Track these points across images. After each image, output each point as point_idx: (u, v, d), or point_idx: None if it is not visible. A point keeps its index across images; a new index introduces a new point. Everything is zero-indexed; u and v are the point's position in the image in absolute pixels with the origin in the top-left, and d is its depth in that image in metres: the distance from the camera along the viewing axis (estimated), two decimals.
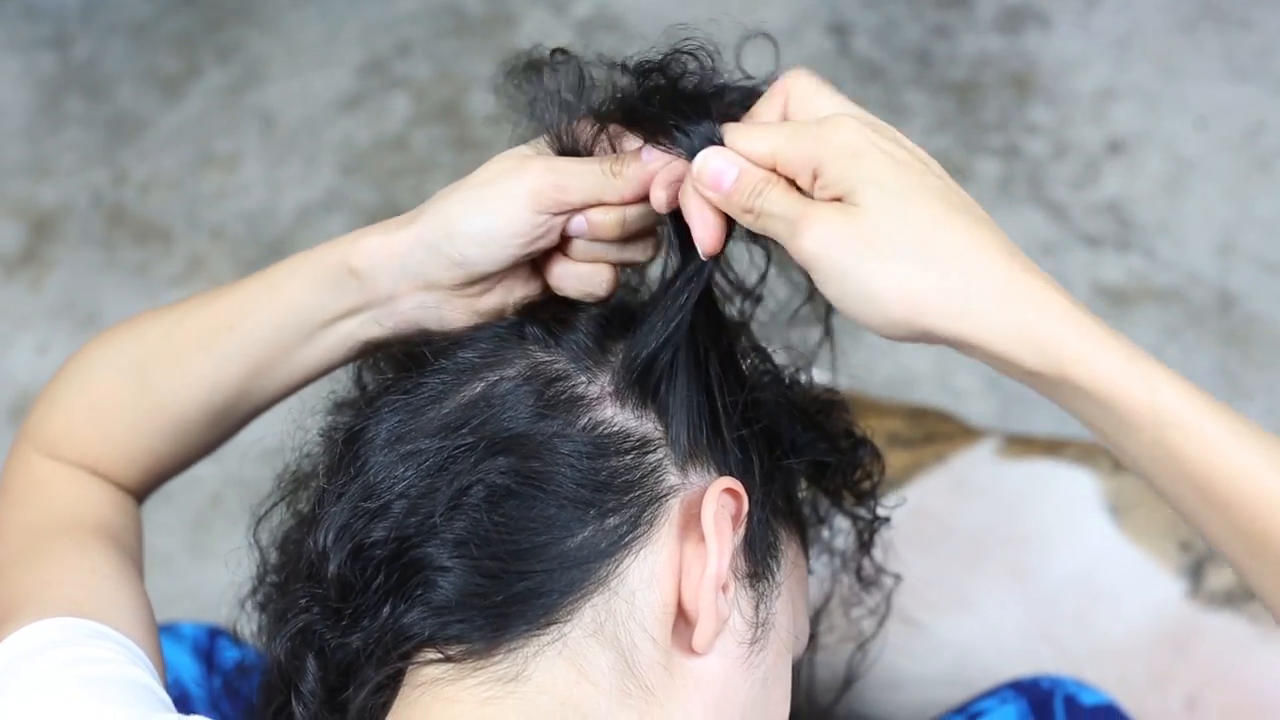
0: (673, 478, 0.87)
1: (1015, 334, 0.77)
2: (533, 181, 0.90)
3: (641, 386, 0.88)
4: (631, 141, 0.92)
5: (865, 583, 1.11)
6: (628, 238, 0.94)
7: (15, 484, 1.07)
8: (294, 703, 0.91)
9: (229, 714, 1.22)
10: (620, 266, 0.95)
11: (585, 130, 0.93)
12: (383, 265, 0.95)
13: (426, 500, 0.85)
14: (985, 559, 1.37)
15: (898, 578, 1.12)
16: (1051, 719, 1.17)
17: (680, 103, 0.89)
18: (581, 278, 0.94)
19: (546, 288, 0.96)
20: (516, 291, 0.96)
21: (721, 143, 0.86)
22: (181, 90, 2.55)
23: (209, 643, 1.28)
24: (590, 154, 0.93)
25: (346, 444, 0.91)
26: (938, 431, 1.56)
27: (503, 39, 2.54)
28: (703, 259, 0.87)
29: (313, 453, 0.98)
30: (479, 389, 0.88)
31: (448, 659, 0.83)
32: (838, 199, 0.80)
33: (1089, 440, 1.57)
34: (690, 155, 0.87)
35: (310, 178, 2.37)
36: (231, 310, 1.01)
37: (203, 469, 1.96)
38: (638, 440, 0.87)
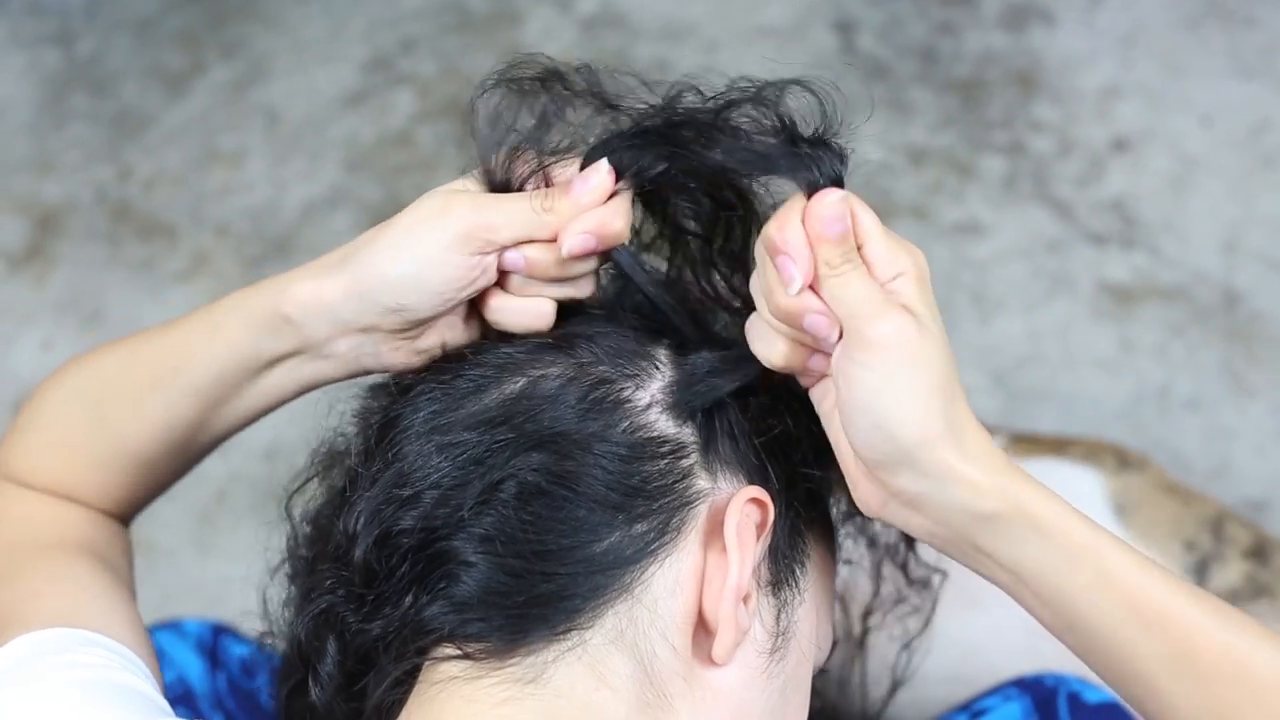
0: (702, 482, 0.87)
1: (987, 473, 0.81)
2: (459, 224, 0.89)
3: (691, 404, 0.88)
4: (562, 174, 0.92)
5: (911, 579, 1.10)
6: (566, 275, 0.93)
7: None
8: (311, 683, 0.91)
9: (233, 711, 1.22)
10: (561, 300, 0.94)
11: (521, 166, 0.93)
12: (315, 313, 0.94)
13: (457, 492, 0.85)
14: None
15: (944, 574, 1.11)
16: (1055, 717, 1.17)
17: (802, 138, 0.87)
18: (521, 312, 0.93)
19: (485, 326, 0.96)
20: (456, 329, 0.95)
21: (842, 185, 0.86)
22: (186, 87, 2.55)
23: (213, 639, 1.28)
24: (522, 189, 0.92)
25: (382, 430, 0.90)
26: None
27: (507, 35, 2.54)
28: (791, 293, 0.84)
29: (346, 432, 0.98)
30: (520, 384, 0.88)
31: (466, 656, 0.83)
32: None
33: (1095, 439, 1.57)
34: (810, 186, 0.86)
35: (315, 174, 2.37)
36: (177, 351, 1.00)
37: (208, 465, 1.96)
38: (674, 445, 0.87)
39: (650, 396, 0.88)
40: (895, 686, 1.19)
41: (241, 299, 0.98)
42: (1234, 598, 1.39)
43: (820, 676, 0.95)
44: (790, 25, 2.49)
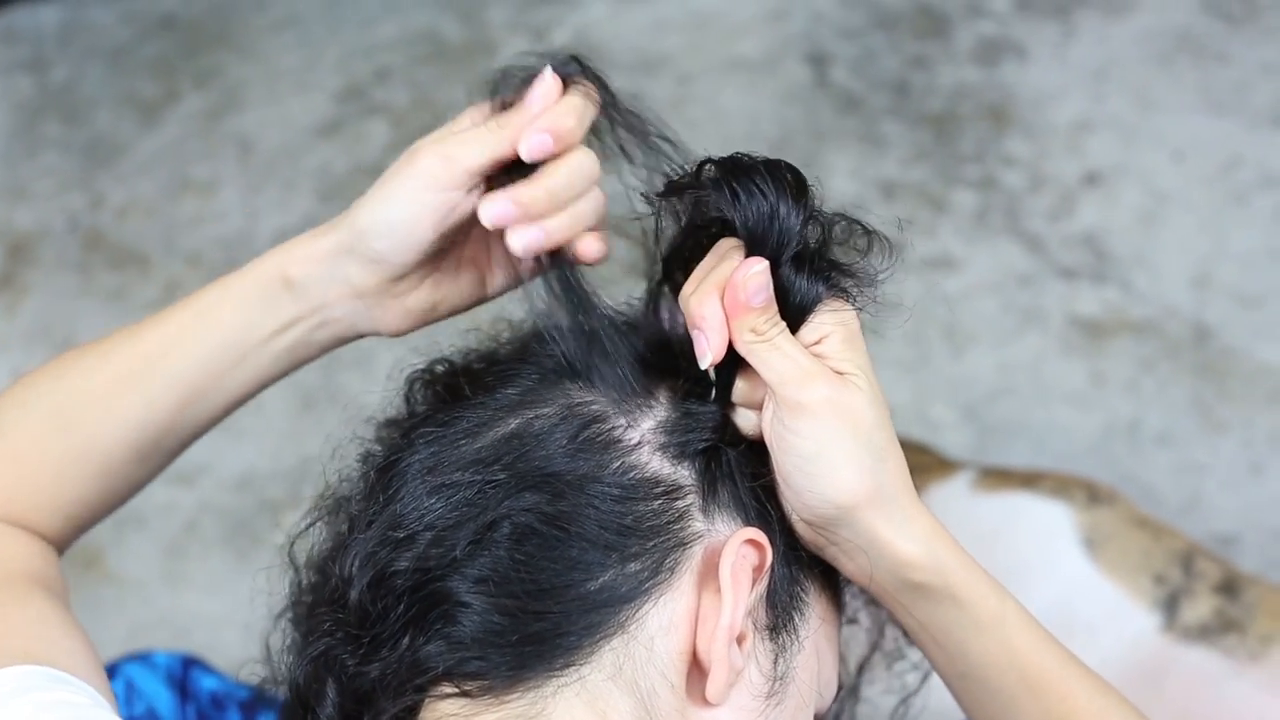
0: (698, 524, 0.87)
1: (917, 546, 0.85)
2: (421, 163, 0.92)
3: (684, 444, 0.88)
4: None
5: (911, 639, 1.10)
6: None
7: None
8: None
9: None
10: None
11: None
12: (314, 273, 0.96)
13: (451, 533, 0.85)
14: None
15: None
16: None
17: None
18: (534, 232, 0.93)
19: (475, 284, 1.00)
20: (443, 287, 0.99)
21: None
22: (159, 115, 2.54)
23: (183, 672, 1.27)
24: None
25: (380, 473, 0.91)
26: (914, 464, 1.53)
27: (481, 66, 2.53)
28: (701, 367, 0.87)
29: (352, 475, 0.98)
30: (514, 425, 0.88)
31: (465, 694, 0.83)
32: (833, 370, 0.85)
33: (1065, 474, 1.57)
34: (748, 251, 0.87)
35: (288, 204, 2.37)
36: (161, 341, 1.00)
37: (177, 496, 1.97)
38: (669, 486, 0.87)
39: (640, 435, 0.88)
40: None
41: (233, 279, 0.99)
42: (1204, 632, 1.40)
43: None
44: (764, 58, 2.50)
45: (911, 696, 1.13)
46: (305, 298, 0.97)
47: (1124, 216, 2.20)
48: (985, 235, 2.18)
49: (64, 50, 2.68)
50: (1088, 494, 1.48)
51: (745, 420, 0.89)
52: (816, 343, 0.85)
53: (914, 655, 1.12)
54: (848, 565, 0.87)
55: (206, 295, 1.00)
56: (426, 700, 0.85)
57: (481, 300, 1.02)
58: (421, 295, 0.98)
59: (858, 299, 0.88)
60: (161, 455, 1.05)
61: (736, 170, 0.87)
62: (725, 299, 0.85)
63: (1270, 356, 2.00)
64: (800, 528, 0.87)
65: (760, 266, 0.85)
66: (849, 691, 1.18)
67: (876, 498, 0.83)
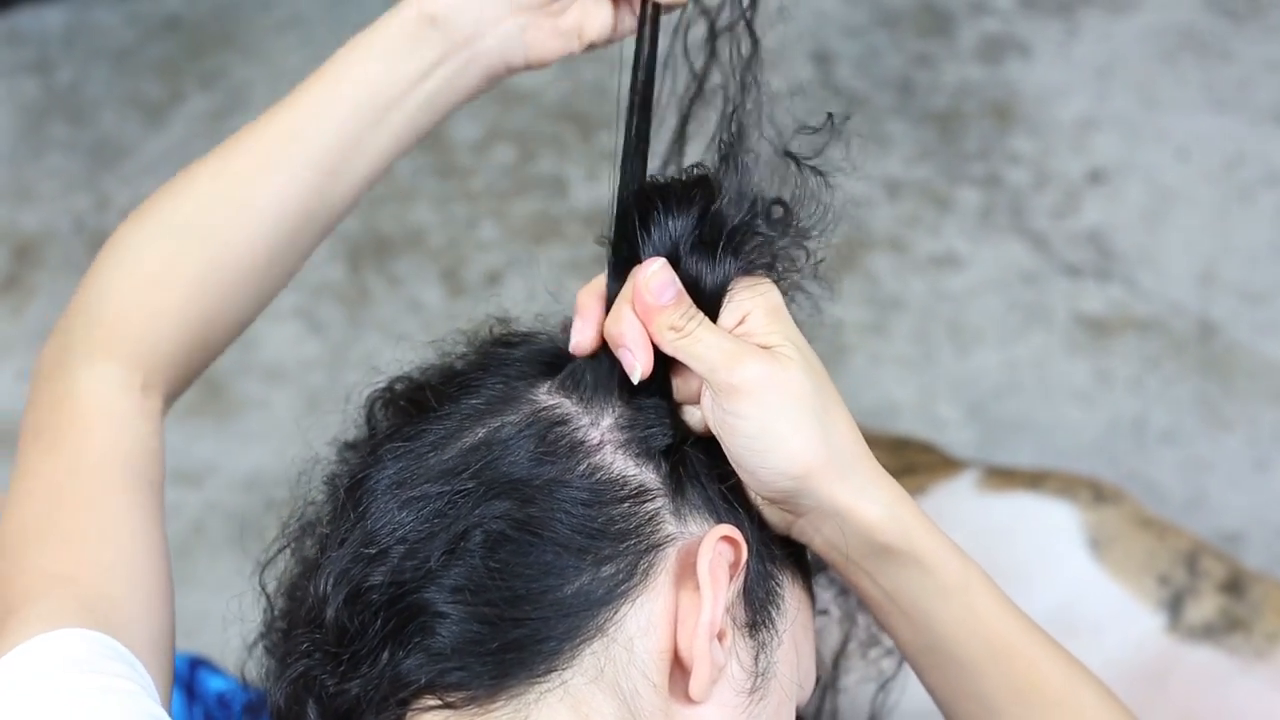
0: (670, 527, 0.87)
1: (881, 509, 0.86)
2: None
3: (644, 441, 0.89)
4: None
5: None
6: None
7: (48, 423, 0.98)
8: None
9: None
10: None
11: None
12: (463, 3, 0.97)
13: (424, 545, 0.85)
14: None
15: None
16: None
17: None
18: None
19: (612, 15, 1.04)
20: (591, 12, 1.03)
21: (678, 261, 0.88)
22: (164, 116, 2.54)
23: (189, 673, 1.27)
24: None
25: (349, 492, 0.90)
26: (918, 463, 1.56)
27: None
28: (634, 382, 0.87)
29: (317, 500, 0.97)
30: (481, 434, 0.88)
31: (448, 706, 0.83)
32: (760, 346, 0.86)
33: (1070, 473, 1.57)
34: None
35: None
36: (295, 118, 1.00)
37: (184, 497, 1.97)
38: (635, 489, 0.87)
39: (601, 435, 0.88)
40: None
41: (367, 35, 1.01)
42: (1209, 631, 1.40)
43: None
44: (768, 56, 2.49)
45: (889, 681, 1.14)
46: (454, 29, 0.98)
47: (1128, 214, 2.20)
48: (990, 233, 2.18)
49: (69, 52, 2.68)
50: (1093, 493, 1.48)
51: (691, 417, 0.89)
52: (739, 323, 0.86)
53: (889, 640, 1.13)
54: (816, 539, 0.87)
55: (336, 62, 1.01)
56: (409, 714, 0.84)
57: (611, 39, 1.05)
58: (571, 18, 1.01)
59: (777, 270, 0.90)
60: (297, 252, 1.04)
61: (642, 207, 0.89)
62: (636, 307, 0.86)
63: (1275, 353, 2.00)
64: (765, 510, 0.88)
65: (657, 265, 0.86)
66: (827, 684, 1.19)
67: (831, 463, 0.84)
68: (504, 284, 2.15)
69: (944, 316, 2.10)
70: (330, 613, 0.86)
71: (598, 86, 2.48)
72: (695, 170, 0.91)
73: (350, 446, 0.98)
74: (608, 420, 0.89)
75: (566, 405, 0.89)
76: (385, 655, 0.84)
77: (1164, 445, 1.93)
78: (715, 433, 0.86)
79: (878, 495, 0.85)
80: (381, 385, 0.98)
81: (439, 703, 0.83)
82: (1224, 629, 1.41)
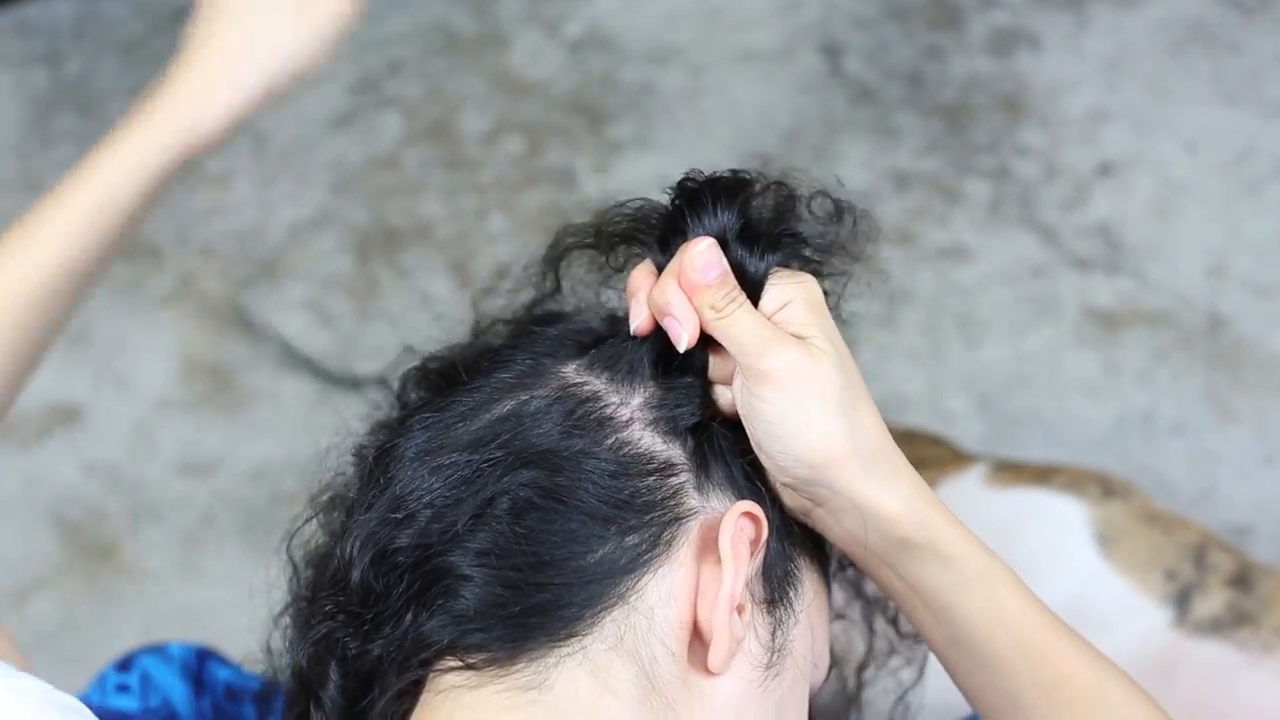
0: (693, 500, 0.88)
1: (900, 502, 0.86)
2: None
3: (673, 420, 0.90)
4: None
5: (902, 632, 1.11)
6: None
7: None
8: (313, 711, 0.91)
9: None
10: None
11: None
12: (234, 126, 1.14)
13: (451, 510, 0.86)
14: None
15: None
16: None
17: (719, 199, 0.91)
18: None
19: None
20: None
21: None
22: None
23: (198, 664, 1.27)
24: None
25: (377, 460, 0.92)
26: (927, 456, 1.56)
27: (494, 58, 2.54)
28: (680, 350, 0.89)
29: (346, 472, 0.99)
30: (510, 406, 0.90)
31: (469, 667, 0.84)
32: (795, 335, 0.87)
33: (1079, 468, 1.57)
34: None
35: (301, 196, 2.37)
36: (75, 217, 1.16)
37: (193, 488, 1.98)
38: (661, 463, 0.88)
39: (631, 413, 0.90)
40: None
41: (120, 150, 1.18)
42: (1216, 626, 1.39)
43: None
44: (777, 48, 2.50)
45: (908, 692, 1.14)
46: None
47: (1138, 207, 2.19)
48: (999, 226, 2.18)
49: (78, 43, 2.68)
50: (1101, 488, 1.48)
51: (722, 397, 0.91)
52: (779, 310, 0.87)
53: (907, 651, 1.13)
54: (835, 529, 0.88)
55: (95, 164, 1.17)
56: (430, 675, 0.86)
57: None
58: None
59: (823, 267, 0.92)
60: (78, 280, 1.17)
61: (691, 193, 0.91)
62: (681, 282, 0.88)
63: None
64: (785, 495, 0.89)
65: (705, 244, 0.88)
66: (852, 697, 1.19)
67: (853, 455, 0.85)
68: (513, 276, 2.15)
69: (953, 309, 2.10)
70: (356, 574, 0.87)
71: (606, 78, 2.48)
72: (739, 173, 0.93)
73: (382, 425, 0.99)
74: (637, 399, 0.90)
75: (595, 383, 0.91)
76: (409, 617, 0.85)
77: (1173, 438, 1.93)
78: (741, 414, 0.87)
79: (899, 489, 0.86)
80: (415, 363, 1.00)
81: (460, 664, 0.84)
82: (1231, 623, 1.41)
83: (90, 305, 2.22)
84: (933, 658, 1.15)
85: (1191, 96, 2.33)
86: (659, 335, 0.91)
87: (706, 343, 0.89)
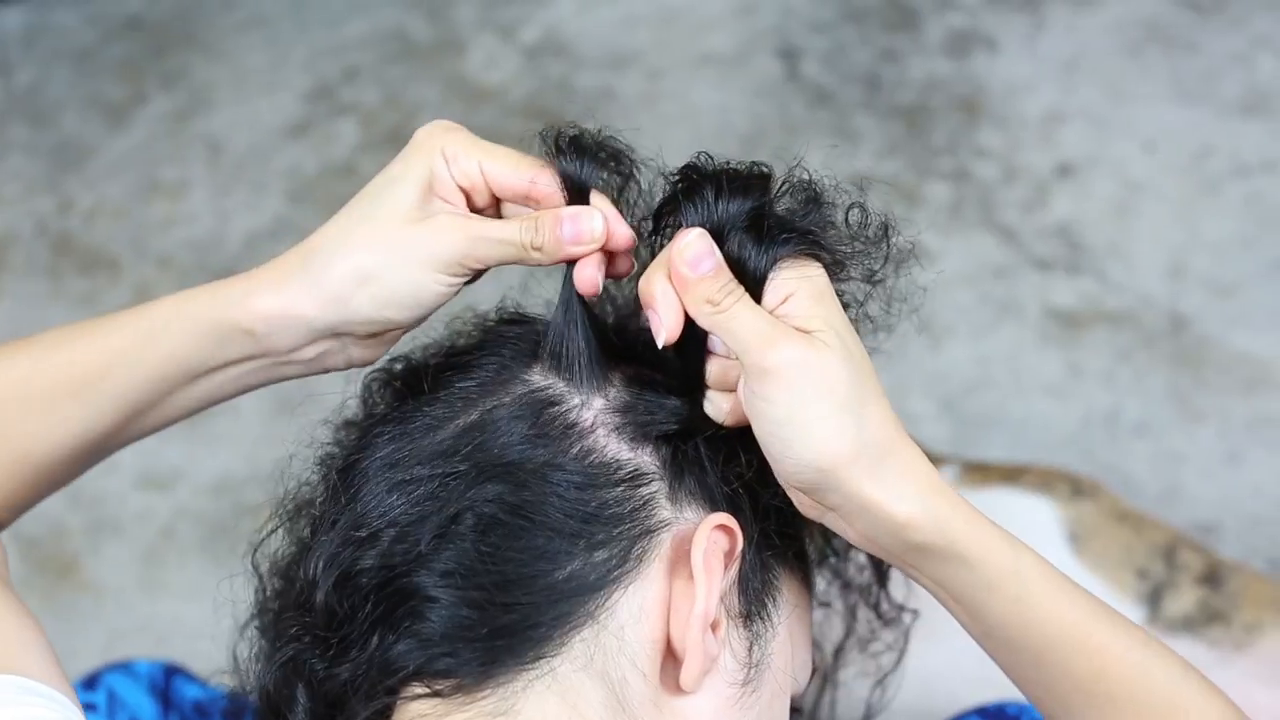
0: (665, 512, 0.86)
1: (912, 505, 0.81)
2: (449, 251, 0.88)
3: (641, 426, 0.88)
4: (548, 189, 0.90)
5: (884, 619, 1.10)
6: None
7: None
8: None
9: None
10: None
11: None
12: (282, 326, 0.91)
13: (415, 528, 0.84)
14: None
15: (915, 613, 1.11)
16: None
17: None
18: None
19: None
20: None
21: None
22: (126, 117, 2.52)
23: (165, 681, 1.26)
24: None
25: (341, 474, 0.90)
26: None
27: (450, 64, 2.53)
28: (659, 346, 0.85)
29: (311, 480, 0.97)
30: (475, 416, 0.88)
31: (436, 694, 0.82)
32: (800, 330, 0.82)
33: (1047, 467, 1.57)
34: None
35: (258, 205, 2.36)
36: (105, 359, 0.95)
37: (153, 502, 1.96)
38: (629, 472, 0.86)
39: (594, 416, 0.88)
40: None
41: (183, 305, 0.93)
42: (1188, 624, 1.40)
43: (793, 716, 0.95)
44: (734, 53, 2.49)
45: (887, 677, 1.13)
46: (267, 344, 0.92)
47: (1097, 207, 2.20)
48: (959, 227, 2.18)
49: (28, 53, 2.66)
50: (1071, 488, 1.48)
51: (717, 404, 0.87)
52: (781, 303, 0.83)
53: (888, 636, 1.12)
54: (849, 531, 0.84)
55: (151, 318, 0.94)
56: (398, 702, 0.84)
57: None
58: (401, 331, 0.94)
59: (830, 259, 0.87)
60: (103, 456, 1.01)
61: (692, 180, 0.87)
62: (671, 275, 0.84)
63: (1245, 344, 2.01)
64: (795, 497, 0.85)
65: (694, 234, 0.84)
66: (826, 675, 1.18)
67: (859, 457, 0.80)
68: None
69: (915, 310, 2.09)
70: (320, 596, 0.86)
71: (564, 83, 2.47)
72: (757, 166, 0.89)
73: (348, 424, 0.97)
74: (599, 402, 0.88)
75: (558, 385, 0.89)
76: (375, 640, 0.84)
77: (1137, 438, 1.93)
78: (746, 414, 0.83)
79: (909, 492, 0.81)
80: (379, 366, 0.97)
81: (427, 690, 0.83)
82: (1203, 621, 1.41)
83: (47, 318, 2.21)
84: (912, 657, 1.15)
85: (1148, 97, 2.33)
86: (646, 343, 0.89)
87: (697, 351, 0.87)
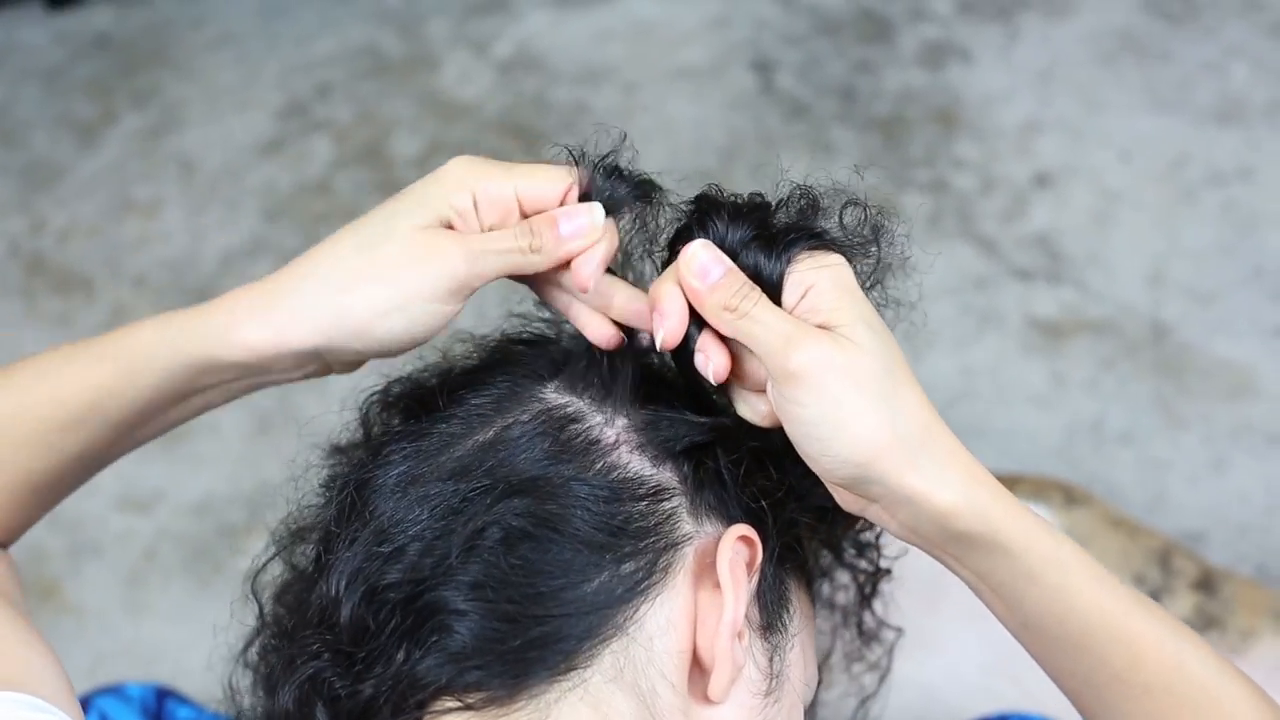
0: (687, 526, 0.87)
1: (954, 494, 0.80)
2: (451, 279, 0.87)
3: (663, 443, 0.88)
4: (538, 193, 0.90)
5: (867, 637, 1.10)
6: None
7: None
8: None
9: None
10: None
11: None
12: (273, 357, 0.89)
13: (442, 542, 0.84)
14: (943, 598, 1.36)
15: (900, 631, 1.11)
16: None
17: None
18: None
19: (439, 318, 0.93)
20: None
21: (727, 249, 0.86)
22: (98, 136, 2.51)
23: (157, 703, 1.25)
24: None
25: (356, 491, 0.89)
26: None
27: (424, 80, 2.52)
28: (657, 349, 0.86)
29: (311, 504, 0.97)
30: (491, 433, 0.87)
31: (467, 707, 0.82)
32: (823, 326, 0.81)
33: (1040, 476, 1.57)
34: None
35: (233, 223, 2.34)
36: (91, 396, 0.93)
37: (135, 523, 1.94)
38: (652, 488, 0.86)
39: (616, 434, 0.88)
40: None
41: (165, 333, 0.92)
42: None
43: None
44: (709, 66, 2.49)
45: (869, 699, 1.14)
46: (253, 370, 0.91)
47: (1076, 217, 2.20)
48: (939, 238, 2.18)
49: None
50: (1064, 496, 1.48)
51: (754, 405, 0.87)
52: (803, 297, 0.82)
53: (871, 656, 1.13)
54: (891, 523, 0.83)
55: (137, 346, 0.93)
56: (426, 716, 0.84)
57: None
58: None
59: (850, 250, 0.87)
60: (106, 465, 1.00)
61: (704, 209, 0.87)
62: (685, 292, 0.84)
63: (1227, 351, 2.01)
64: (836, 493, 0.84)
65: (697, 245, 0.84)
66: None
67: (898, 448, 0.79)
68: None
69: (895, 323, 2.09)
70: (346, 611, 0.85)
71: (539, 98, 2.47)
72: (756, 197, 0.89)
73: (342, 449, 0.97)
74: (621, 421, 0.88)
75: (577, 404, 0.89)
76: (400, 655, 0.83)
77: (1122, 446, 1.94)
78: (779, 417, 0.83)
79: (951, 480, 0.80)
80: (379, 388, 0.97)
81: (458, 704, 0.83)
82: (1200, 627, 1.41)
83: (21, 340, 2.19)
84: (911, 668, 1.15)
85: (1123, 106, 2.34)
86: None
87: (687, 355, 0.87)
